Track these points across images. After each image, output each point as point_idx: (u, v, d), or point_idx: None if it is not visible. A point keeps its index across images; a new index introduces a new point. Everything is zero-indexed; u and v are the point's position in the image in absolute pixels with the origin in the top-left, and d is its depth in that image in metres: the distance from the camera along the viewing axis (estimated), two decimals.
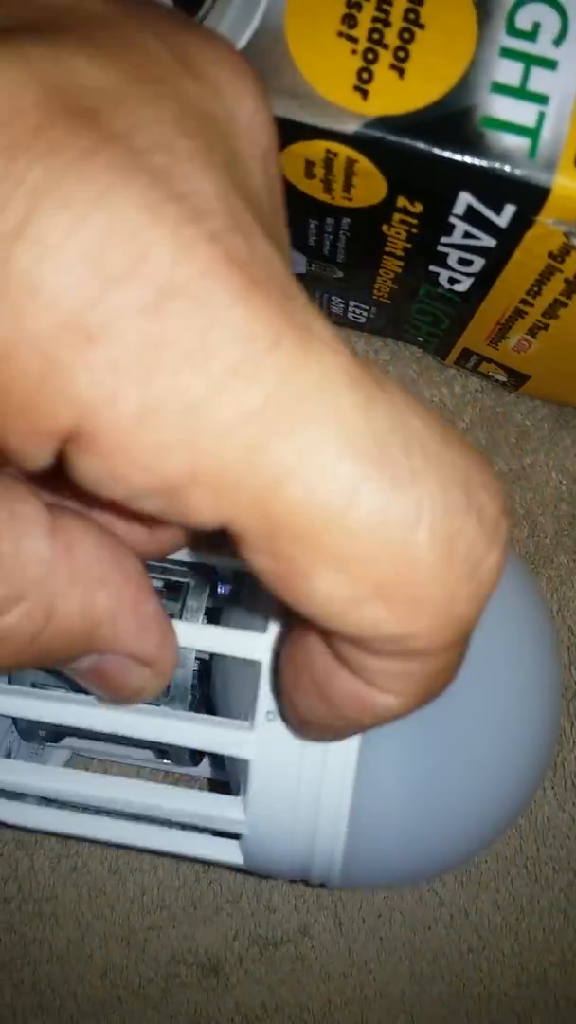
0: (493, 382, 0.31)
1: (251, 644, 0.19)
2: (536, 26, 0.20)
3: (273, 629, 0.19)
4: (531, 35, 0.20)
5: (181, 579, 0.22)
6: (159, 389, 0.11)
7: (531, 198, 0.20)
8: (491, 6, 0.20)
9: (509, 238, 0.21)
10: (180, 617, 0.22)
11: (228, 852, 0.21)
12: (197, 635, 0.20)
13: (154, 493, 0.12)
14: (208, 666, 0.23)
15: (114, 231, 0.11)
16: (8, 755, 0.24)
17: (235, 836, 0.21)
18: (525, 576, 0.23)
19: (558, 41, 0.20)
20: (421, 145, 0.20)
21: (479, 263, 0.23)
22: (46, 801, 0.23)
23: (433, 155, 0.20)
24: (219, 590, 0.23)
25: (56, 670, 0.18)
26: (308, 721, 0.16)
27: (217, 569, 0.23)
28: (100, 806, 0.20)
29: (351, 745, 0.19)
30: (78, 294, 0.11)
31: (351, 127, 0.20)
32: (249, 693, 0.19)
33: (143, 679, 0.17)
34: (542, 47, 0.20)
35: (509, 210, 0.20)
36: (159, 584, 0.23)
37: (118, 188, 0.11)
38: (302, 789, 0.19)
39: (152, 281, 0.11)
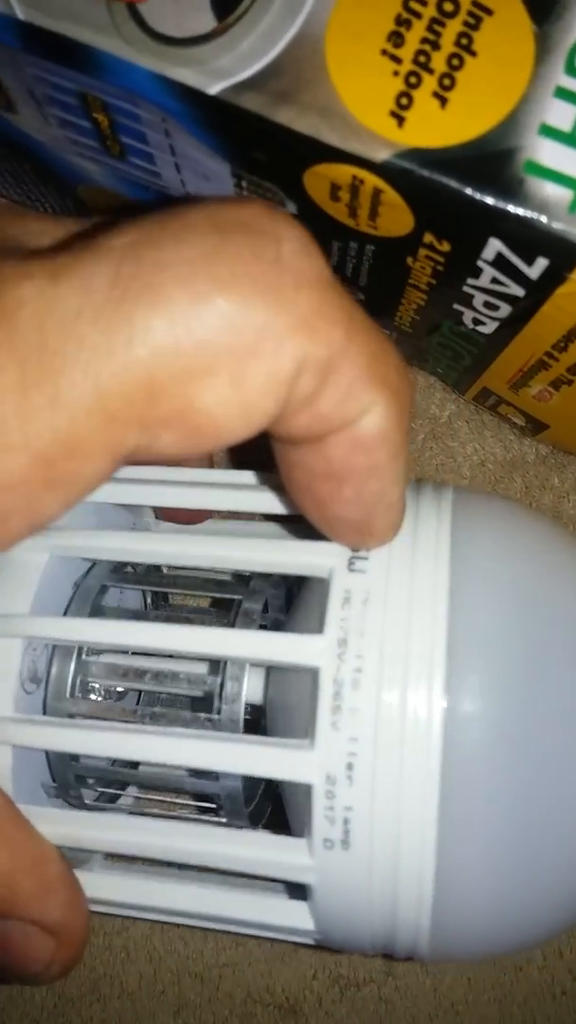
0: (511, 424, 0.29)
1: (297, 762, 0.16)
2: None
3: (321, 741, 0.16)
4: None
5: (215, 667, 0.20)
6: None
7: (566, 254, 0.18)
8: (552, 41, 0.18)
9: (539, 291, 0.20)
10: (219, 705, 0.19)
11: (304, 938, 0.19)
12: (229, 755, 0.17)
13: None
14: None
15: None
16: None
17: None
18: None
19: None
20: (454, 184, 0.18)
21: (506, 309, 0.21)
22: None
23: (465, 197, 0.18)
24: None
25: None
26: (362, 520, 0.16)
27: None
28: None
29: (426, 855, 0.16)
30: None
31: (381, 155, 0.18)
32: (303, 810, 0.17)
33: (48, 950, 0.17)
34: None
35: (541, 263, 0.19)
36: (190, 670, 0.21)
37: None
38: (375, 900, 0.17)
39: None
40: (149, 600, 0.25)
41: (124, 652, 0.22)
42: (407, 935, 0.17)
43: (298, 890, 0.19)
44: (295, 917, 0.18)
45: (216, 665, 0.20)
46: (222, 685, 0.19)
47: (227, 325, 0.13)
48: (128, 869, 0.20)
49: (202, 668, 0.21)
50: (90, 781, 0.22)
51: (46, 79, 0.20)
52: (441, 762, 0.16)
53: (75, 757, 0.20)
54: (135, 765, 0.23)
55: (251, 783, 0.21)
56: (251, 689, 0.20)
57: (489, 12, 0.18)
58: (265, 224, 0.14)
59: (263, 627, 0.21)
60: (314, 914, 0.18)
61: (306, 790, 0.17)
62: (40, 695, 0.20)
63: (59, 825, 0.18)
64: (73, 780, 0.21)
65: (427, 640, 0.16)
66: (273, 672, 0.20)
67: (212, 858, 0.17)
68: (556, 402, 0.25)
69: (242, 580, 0.22)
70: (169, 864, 0.20)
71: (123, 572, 0.22)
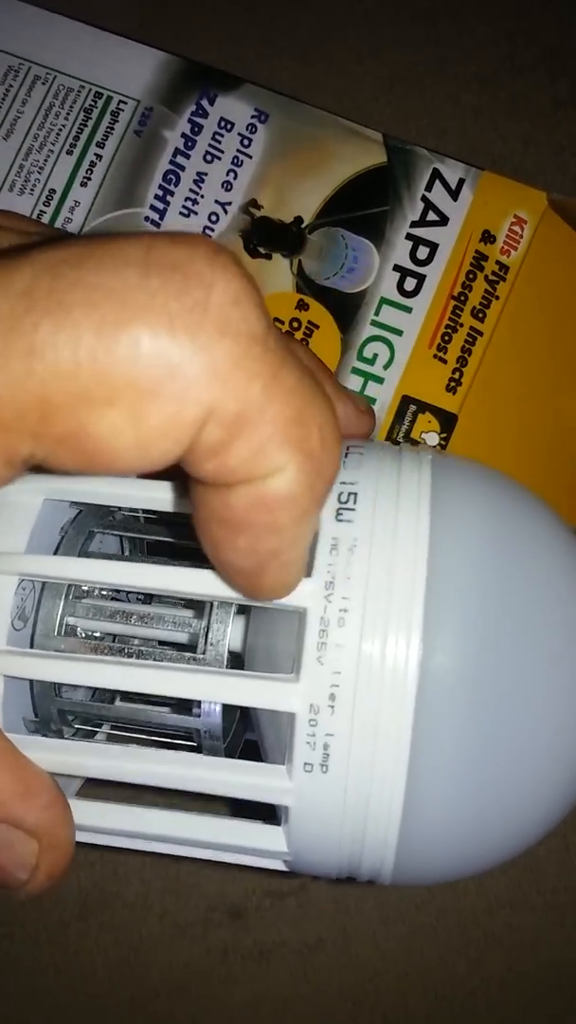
0: None
1: (283, 692, 0.17)
2: (375, 355, 0.33)
3: (306, 674, 0.17)
4: (371, 361, 0.33)
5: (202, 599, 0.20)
6: None
7: None
8: (350, 342, 0.33)
9: None
10: (205, 646, 0.20)
11: (275, 860, 0.20)
12: (219, 685, 0.18)
13: None
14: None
15: None
16: None
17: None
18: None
19: (386, 366, 0.33)
20: None
21: None
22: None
23: None
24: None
25: None
26: (252, 571, 0.16)
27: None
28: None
29: (398, 781, 0.17)
30: None
31: None
32: (283, 740, 0.18)
33: (31, 854, 0.17)
34: (376, 369, 0.33)
35: None
36: (176, 612, 0.22)
37: None
38: (347, 821, 0.18)
39: None
40: (128, 549, 0.26)
41: (109, 598, 0.23)
42: (374, 855, 0.19)
43: (272, 818, 0.20)
44: (269, 840, 0.19)
45: (201, 610, 0.22)
46: (207, 627, 0.20)
47: (132, 358, 0.13)
48: (107, 798, 0.20)
49: (187, 612, 0.22)
50: (70, 717, 0.22)
51: None
52: (416, 694, 0.17)
53: (58, 692, 0.21)
54: (115, 700, 0.24)
55: (228, 721, 0.22)
56: (232, 635, 0.21)
57: (317, 327, 0.33)
58: (200, 267, 0.14)
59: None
60: (288, 836, 0.19)
61: (289, 719, 0.18)
62: (27, 633, 0.21)
63: (43, 751, 0.19)
64: (55, 715, 0.21)
65: (408, 585, 0.17)
66: (253, 620, 0.21)
67: (195, 782, 0.18)
68: None
69: None
70: (145, 792, 0.20)
71: (108, 519, 0.23)
